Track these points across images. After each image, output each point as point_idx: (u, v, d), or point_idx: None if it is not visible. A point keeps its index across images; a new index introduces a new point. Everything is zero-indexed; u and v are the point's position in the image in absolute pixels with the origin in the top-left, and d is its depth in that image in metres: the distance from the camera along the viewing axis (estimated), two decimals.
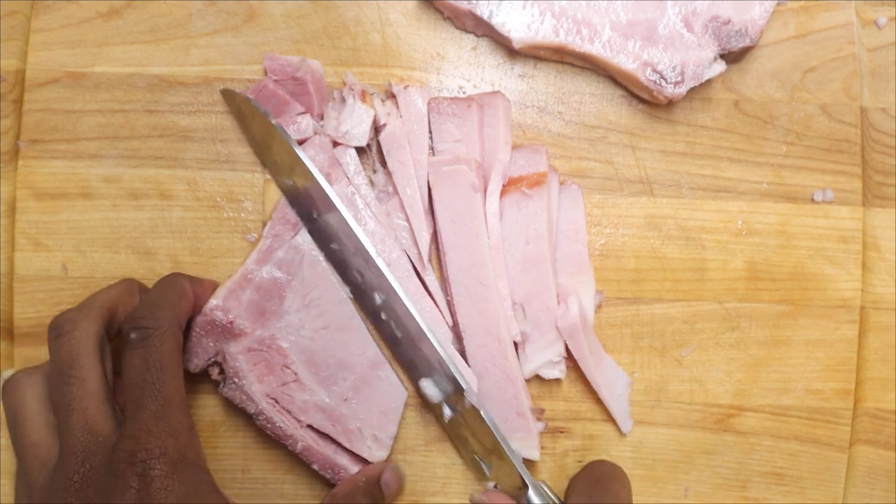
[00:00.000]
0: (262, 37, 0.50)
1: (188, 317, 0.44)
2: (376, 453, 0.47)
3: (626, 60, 0.48)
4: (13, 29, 0.49)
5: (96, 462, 0.37)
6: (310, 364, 0.47)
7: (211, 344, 0.46)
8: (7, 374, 0.49)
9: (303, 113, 0.48)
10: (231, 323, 0.46)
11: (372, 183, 0.49)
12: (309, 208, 0.47)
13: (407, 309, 0.46)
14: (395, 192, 0.48)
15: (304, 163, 0.46)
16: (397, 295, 0.46)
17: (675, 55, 0.48)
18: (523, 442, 0.47)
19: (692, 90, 0.49)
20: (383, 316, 0.48)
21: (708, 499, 0.50)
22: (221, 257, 0.49)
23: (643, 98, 0.51)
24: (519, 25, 0.48)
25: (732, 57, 0.50)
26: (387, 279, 0.46)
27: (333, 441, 0.47)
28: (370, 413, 0.47)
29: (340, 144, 0.48)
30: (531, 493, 0.45)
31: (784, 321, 0.51)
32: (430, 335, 0.46)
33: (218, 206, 0.49)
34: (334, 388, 0.47)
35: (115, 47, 0.50)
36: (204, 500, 0.37)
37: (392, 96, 0.49)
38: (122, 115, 0.49)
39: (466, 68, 0.51)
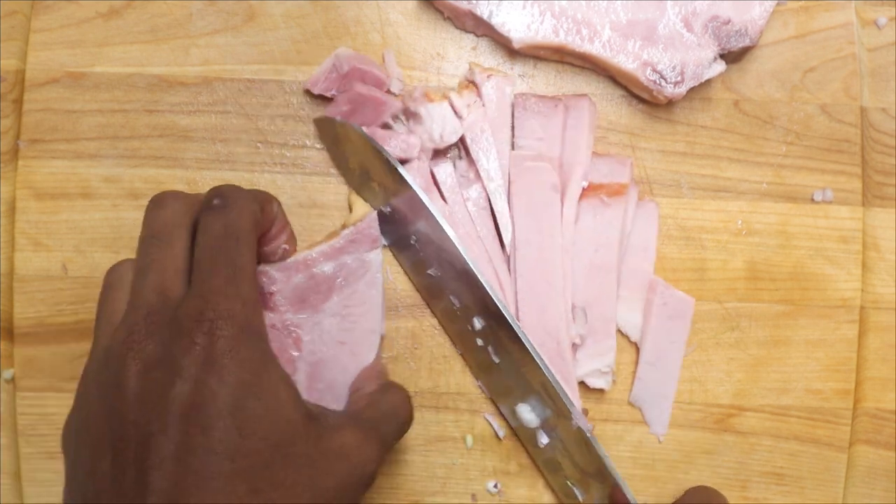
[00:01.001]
0: (262, 37, 0.50)
1: (267, 225, 0.43)
2: None
3: (626, 60, 0.48)
4: (13, 29, 0.49)
5: (162, 318, 0.35)
6: (313, 369, 0.46)
7: None
8: (7, 374, 0.49)
9: (396, 117, 0.48)
10: (271, 294, 0.45)
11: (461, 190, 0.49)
12: (406, 233, 0.47)
13: (513, 332, 0.45)
14: (477, 177, 0.48)
15: (411, 188, 0.45)
16: (503, 318, 0.45)
17: (675, 55, 0.48)
18: None
19: (692, 90, 0.49)
20: (479, 342, 0.47)
21: None
22: None
23: (643, 98, 0.51)
24: (519, 25, 0.48)
25: (732, 57, 0.50)
26: (494, 303, 0.45)
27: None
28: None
29: (435, 159, 0.48)
30: None
31: (784, 321, 0.51)
32: (538, 358, 0.45)
33: None
34: (319, 401, 0.46)
35: (115, 47, 0.50)
36: (267, 369, 0.36)
37: (473, 85, 0.49)
38: (122, 115, 0.49)
39: (466, 68, 0.51)
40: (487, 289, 0.45)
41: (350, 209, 0.49)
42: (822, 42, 0.51)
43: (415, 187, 0.46)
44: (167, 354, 0.35)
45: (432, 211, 0.46)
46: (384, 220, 0.48)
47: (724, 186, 0.51)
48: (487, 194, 0.48)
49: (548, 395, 0.46)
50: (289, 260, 0.46)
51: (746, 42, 0.49)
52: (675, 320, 0.49)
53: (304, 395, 0.44)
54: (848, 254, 0.51)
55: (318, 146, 0.50)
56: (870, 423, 0.51)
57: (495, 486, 0.49)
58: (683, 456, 0.50)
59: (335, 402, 0.46)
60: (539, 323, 0.47)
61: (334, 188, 0.50)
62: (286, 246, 0.45)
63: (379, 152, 0.46)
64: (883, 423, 0.51)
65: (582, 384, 0.49)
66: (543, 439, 0.47)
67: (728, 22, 0.49)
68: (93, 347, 0.38)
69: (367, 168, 0.48)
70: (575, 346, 0.48)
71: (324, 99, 0.50)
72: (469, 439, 0.49)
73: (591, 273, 0.49)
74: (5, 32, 0.49)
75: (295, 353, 0.46)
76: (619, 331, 0.50)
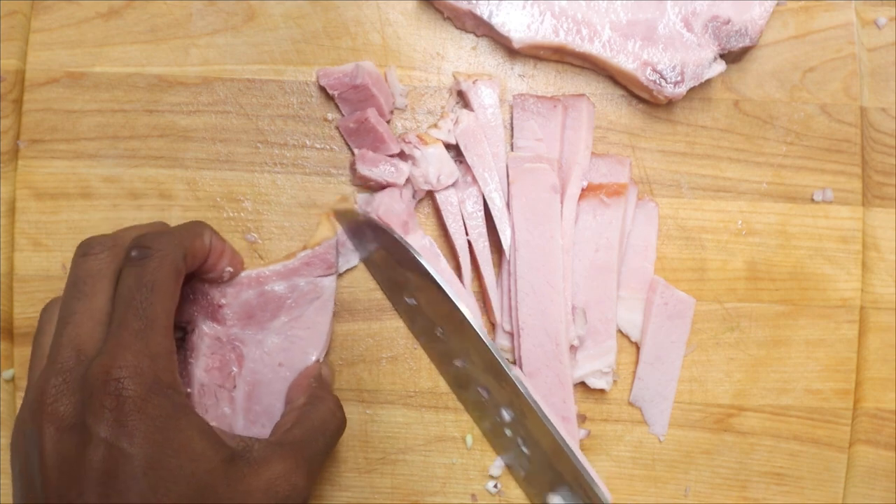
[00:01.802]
0: (262, 37, 0.50)
1: (199, 261, 0.43)
2: None
3: (625, 60, 0.48)
4: (13, 29, 0.49)
5: (75, 377, 0.36)
6: (251, 389, 0.46)
7: (192, 311, 0.46)
8: (7, 374, 0.49)
9: (393, 156, 0.48)
10: (220, 307, 0.46)
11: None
12: (431, 325, 0.48)
13: (544, 426, 0.45)
14: (474, 181, 0.48)
15: (439, 286, 0.46)
16: (534, 413, 0.45)
17: (675, 55, 0.48)
18: None
19: (692, 90, 0.49)
20: (508, 433, 0.47)
21: (708, 499, 0.50)
22: None
23: (643, 98, 0.51)
24: (519, 25, 0.48)
25: (732, 57, 0.50)
26: (525, 398, 0.45)
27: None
28: None
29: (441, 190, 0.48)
30: None
31: (784, 321, 0.51)
32: (570, 452, 0.45)
33: (218, 206, 0.49)
34: (251, 425, 0.46)
35: (115, 47, 0.50)
36: (179, 422, 0.36)
37: (459, 93, 0.50)
38: (122, 115, 0.49)
39: (466, 68, 0.51)
40: (517, 384, 0.45)
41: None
42: (822, 42, 0.51)
43: (441, 283, 0.46)
44: (79, 417, 0.35)
45: (459, 307, 0.45)
46: (410, 315, 0.48)
47: (724, 186, 0.51)
48: (484, 198, 0.48)
49: (579, 485, 0.45)
50: (241, 274, 0.46)
51: (746, 42, 0.49)
52: (675, 320, 0.49)
53: (242, 418, 0.45)
54: (848, 254, 0.51)
55: (318, 146, 0.50)
56: (870, 423, 0.51)
57: (495, 486, 0.49)
58: (683, 456, 0.50)
59: (271, 423, 0.45)
60: (540, 325, 0.47)
61: (334, 188, 0.50)
62: (230, 268, 0.45)
63: (406, 249, 0.46)
64: (883, 423, 0.51)
65: (582, 384, 0.49)
66: None
67: (728, 22, 0.49)
68: (25, 393, 0.38)
69: (389, 262, 0.48)
70: (574, 348, 0.48)
71: (324, 97, 0.50)
72: (469, 439, 0.49)
73: (591, 273, 0.49)
74: (5, 32, 0.49)
75: (235, 372, 0.46)
76: (619, 331, 0.50)
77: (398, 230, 0.47)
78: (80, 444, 0.35)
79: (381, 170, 0.48)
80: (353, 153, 0.49)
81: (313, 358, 0.47)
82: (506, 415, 0.47)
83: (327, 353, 0.48)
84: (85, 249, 0.40)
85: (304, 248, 0.48)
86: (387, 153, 0.48)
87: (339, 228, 0.49)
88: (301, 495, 0.38)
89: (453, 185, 0.49)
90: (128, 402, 0.35)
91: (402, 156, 0.49)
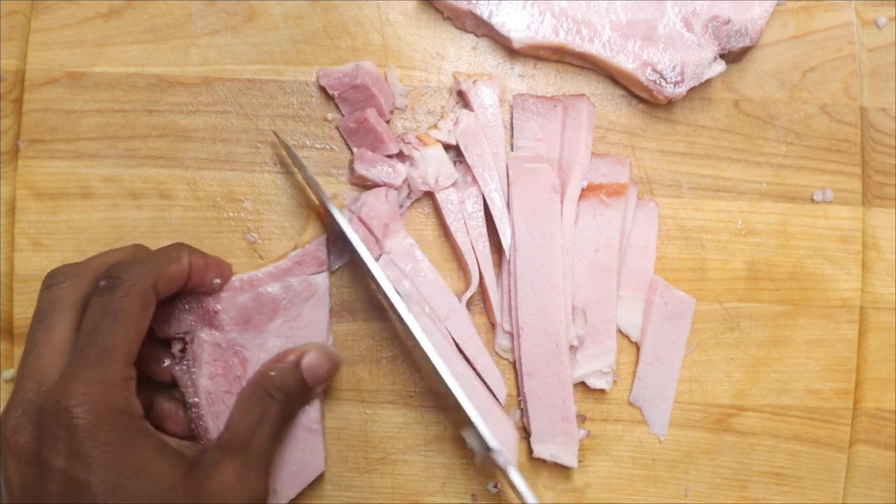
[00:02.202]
0: (262, 37, 0.50)
1: (177, 284, 0.43)
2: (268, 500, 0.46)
3: (625, 60, 0.48)
4: (13, 29, 0.49)
5: (32, 409, 0.37)
6: None
7: (189, 320, 0.46)
8: (7, 374, 0.49)
9: (392, 156, 0.48)
10: (216, 313, 0.46)
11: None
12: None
13: (441, 376, 0.44)
14: (474, 181, 0.48)
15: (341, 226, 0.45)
16: (428, 356, 0.44)
17: (675, 55, 0.48)
18: (564, 447, 0.47)
19: (692, 90, 0.49)
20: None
21: (708, 499, 0.50)
22: (221, 257, 0.49)
23: (643, 98, 0.51)
24: (519, 25, 0.48)
25: (732, 57, 0.50)
26: (419, 340, 0.44)
27: None
28: (281, 467, 0.46)
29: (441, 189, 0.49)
30: None
31: (784, 321, 0.51)
32: (459, 395, 0.43)
33: (218, 206, 0.49)
34: None
35: (115, 47, 0.50)
36: (134, 444, 0.36)
37: (459, 93, 0.50)
38: (122, 115, 0.49)
39: (466, 68, 0.51)
40: (405, 317, 0.44)
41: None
42: (822, 42, 0.51)
43: (342, 223, 0.45)
44: (37, 448, 0.36)
45: (357, 246, 0.45)
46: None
47: (724, 186, 0.51)
48: (484, 198, 0.48)
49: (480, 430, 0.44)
50: (233, 278, 0.46)
51: (746, 42, 0.49)
52: (675, 320, 0.49)
53: None
54: (848, 254, 0.51)
55: (318, 146, 0.50)
56: (870, 423, 0.51)
57: (495, 486, 0.49)
58: (683, 456, 0.50)
59: None
60: (540, 325, 0.47)
61: (334, 188, 0.50)
62: (218, 280, 0.45)
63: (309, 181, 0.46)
64: (883, 423, 0.51)
65: (582, 384, 0.49)
66: (490, 460, 0.44)
67: (728, 22, 0.49)
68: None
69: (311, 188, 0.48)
70: (573, 348, 0.48)
71: (324, 97, 0.50)
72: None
73: (591, 274, 0.49)
74: (5, 32, 0.49)
75: (240, 375, 0.46)
76: (619, 331, 0.50)
77: (378, 232, 0.47)
78: (40, 475, 0.36)
79: (378, 170, 0.48)
80: (352, 153, 0.49)
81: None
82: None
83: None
84: (49, 281, 0.41)
85: (295, 247, 0.48)
86: (386, 153, 0.48)
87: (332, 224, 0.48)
88: (258, 491, 0.39)
89: (453, 185, 0.49)
90: (79, 430, 0.35)
91: (400, 156, 0.49)
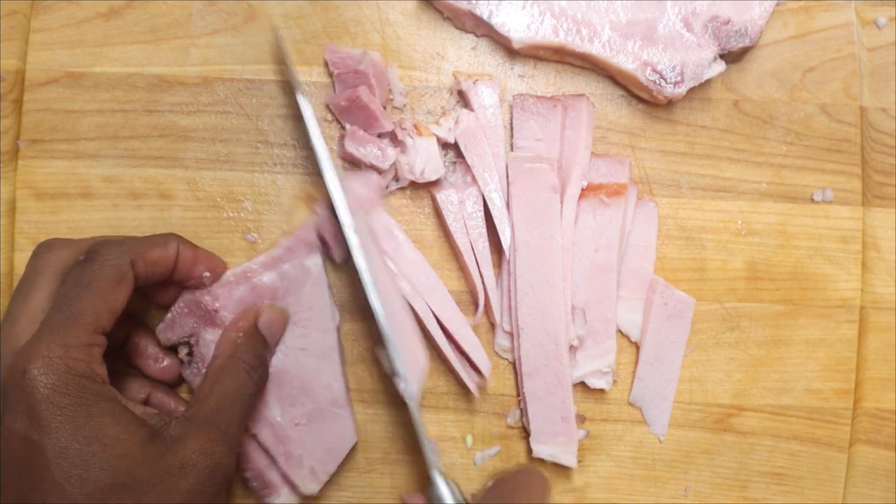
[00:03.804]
0: (262, 37, 0.50)
1: (161, 269, 0.43)
2: (308, 485, 0.46)
3: (625, 60, 0.48)
4: (13, 29, 0.49)
5: (1, 374, 0.37)
6: (275, 378, 0.46)
7: (190, 323, 0.46)
8: None
9: (384, 135, 0.48)
10: (216, 311, 0.46)
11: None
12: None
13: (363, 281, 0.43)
14: (474, 181, 0.48)
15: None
16: (356, 259, 0.43)
17: (675, 55, 0.48)
18: (563, 448, 0.47)
19: (692, 90, 0.49)
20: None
21: (708, 499, 0.50)
22: (221, 257, 0.49)
23: (643, 98, 0.51)
24: (519, 25, 0.48)
25: (732, 57, 0.50)
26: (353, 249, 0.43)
27: (271, 456, 0.46)
28: (316, 445, 0.46)
29: (437, 186, 0.48)
30: (436, 487, 0.44)
31: (784, 321, 0.51)
32: (377, 309, 0.43)
33: (218, 206, 0.50)
34: (290, 410, 0.46)
35: (115, 47, 0.50)
36: (90, 409, 0.36)
37: (459, 93, 0.50)
38: (122, 115, 0.49)
39: (466, 68, 0.51)
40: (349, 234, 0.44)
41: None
42: (822, 42, 0.51)
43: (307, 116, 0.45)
44: (3, 411, 0.36)
45: (316, 145, 0.45)
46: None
47: (724, 186, 0.51)
48: (484, 198, 0.48)
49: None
50: (227, 273, 0.46)
51: (746, 42, 0.49)
52: (675, 320, 0.49)
53: (277, 407, 0.45)
54: (848, 254, 0.51)
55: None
56: (870, 423, 0.51)
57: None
58: (683, 456, 0.50)
59: (311, 401, 0.46)
60: (540, 325, 0.47)
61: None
62: (207, 273, 0.46)
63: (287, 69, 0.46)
64: (883, 423, 0.51)
65: (582, 384, 0.49)
66: (401, 386, 0.44)
67: (728, 22, 0.49)
68: None
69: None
70: (573, 348, 0.48)
71: (324, 96, 0.50)
72: (469, 439, 0.49)
73: (590, 274, 0.49)
74: (5, 32, 0.49)
75: None
76: (619, 331, 0.50)
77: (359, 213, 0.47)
78: (2, 438, 0.36)
79: (367, 150, 0.47)
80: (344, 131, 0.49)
81: (333, 334, 0.47)
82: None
83: (321, 490, 0.47)
84: (36, 251, 0.41)
85: (284, 235, 0.48)
86: (379, 131, 0.48)
87: (318, 209, 0.48)
88: (223, 466, 0.39)
89: (453, 185, 0.49)
90: (36, 392, 0.35)
91: (393, 139, 0.49)
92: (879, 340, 0.51)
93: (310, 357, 0.47)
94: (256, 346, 0.44)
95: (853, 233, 0.51)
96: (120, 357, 0.46)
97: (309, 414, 0.46)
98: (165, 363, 0.46)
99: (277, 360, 0.46)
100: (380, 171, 0.48)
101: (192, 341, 0.46)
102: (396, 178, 0.49)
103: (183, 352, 0.46)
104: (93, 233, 0.49)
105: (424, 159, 0.47)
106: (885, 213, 0.51)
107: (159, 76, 0.50)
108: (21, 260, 0.49)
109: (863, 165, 0.51)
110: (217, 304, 0.46)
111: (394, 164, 0.48)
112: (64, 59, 0.49)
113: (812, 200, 0.51)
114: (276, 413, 0.46)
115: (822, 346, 0.51)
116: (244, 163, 0.50)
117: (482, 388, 0.49)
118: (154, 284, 0.45)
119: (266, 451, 0.46)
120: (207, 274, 0.45)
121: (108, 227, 0.49)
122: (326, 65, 0.50)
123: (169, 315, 0.46)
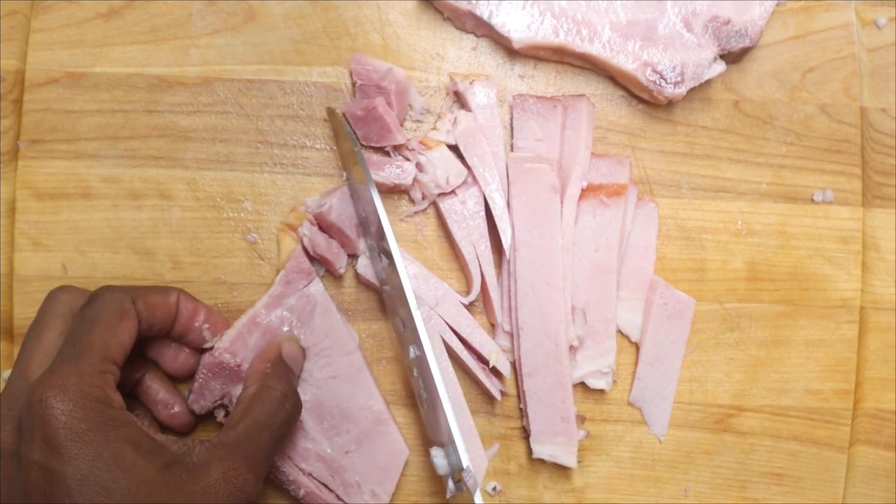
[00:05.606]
0: (262, 37, 0.50)
1: (161, 314, 0.44)
2: None
3: (625, 60, 0.48)
4: (13, 29, 0.49)
5: (17, 406, 0.38)
6: (314, 412, 0.46)
7: (218, 386, 0.46)
8: (7, 374, 0.49)
9: (398, 148, 0.48)
10: (238, 366, 0.46)
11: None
12: (377, 239, 0.47)
13: (432, 372, 0.44)
14: (474, 181, 0.48)
15: (375, 203, 0.45)
16: (426, 355, 0.44)
17: (675, 55, 0.48)
18: (563, 448, 0.47)
19: (692, 90, 0.49)
20: (415, 372, 0.46)
21: (708, 499, 0.50)
22: (221, 257, 0.49)
23: (643, 98, 0.51)
24: (519, 25, 0.48)
25: (732, 57, 0.50)
26: (419, 336, 0.44)
27: (333, 490, 0.46)
28: (370, 468, 0.46)
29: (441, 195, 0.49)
30: None
31: (784, 321, 0.51)
32: (446, 405, 0.43)
33: (217, 206, 0.50)
34: (336, 440, 0.46)
35: (115, 47, 0.50)
36: (107, 434, 0.36)
37: (456, 94, 0.50)
38: (122, 115, 0.49)
39: (466, 69, 0.51)
40: (416, 315, 0.44)
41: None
42: (822, 42, 0.51)
43: (375, 197, 0.45)
44: (18, 442, 0.37)
45: (384, 223, 0.45)
46: (366, 221, 0.47)
47: (724, 187, 0.51)
48: (485, 198, 0.48)
49: (453, 448, 0.44)
50: (235, 324, 0.46)
51: (746, 42, 0.49)
52: (675, 320, 0.49)
53: (323, 439, 0.46)
54: (848, 254, 0.51)
55: (318, 146, 0.50)
56: (870, 424, 0.51)
57: (494, 488, 0.49)
58: (683, 456, 0.50)
59: (354, 426, 0.47)
60: (540, 325, 0.47)
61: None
62: (207, 326, 0.46)
63: (354, 150, 0.46)
64: (883, 423, 0.51)
65: (582, 385, 0.49)
66: (451, 487, 0.44)
67: (728, 22, 0.49)
68: None
69: (349, 164, 0.48)
70: (573, 348, 0.48)
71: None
72: None
73: (590, 274, 0.49)
74: (5, 32, 0.49)
75: None
76: (619, 331, 0.50)
77: (351, 232, 0.47)
78: (20, 468, 0.36)
79: (387, 172, 0.48)
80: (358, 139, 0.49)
81: (357, 354, 0.47)
82: (412, 352, 0.45)
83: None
84: (50, 294, 0.43)
85: (278, 271, 0.47)
86: (392, 143, 0.48)
87: (301, 235, 0.48)
88: (247, 494, 0.39)
89: (456, 190, 0.49)
90: (53, 419, 0.36)
91: (404, 150, 0.49)
92: (879, 341, 0.51)
93: (341, 383, 0.47)
94: (287, 374, 0.44)
95: (853, 233, 0.51)
96: (133, 398, 0.46)
97: (356, 439, 0.47)
98: (176, 409, 0.46)
99: (311, 395, 0.46)
100: (403, 189, 0.49)
101: (226, 402, 0.46)
102: (412, 200, 0.49)
103: (220, 415, 0.46)
104: (93, 233, 0.49)
105: (444, 168, 0.48)
106: (885, 213, 0.51)
107: (159, 76, 0.50)
108: (21, 260, 0.49)
109: (863, 166, 0.51)
110: (238, 360, 0.46)
111: (415, 178, 0.48)
112: (64, 59, 0.49)
113: (812, 201, 0.51)
114: (324, 447, 0.46)
115: (822, 346, 0.51)
116: (244, 163, 0.50)
117: (504, 393, 0.49)
118: (165, 348, 0.46)
119: (326, 486, 0.46)
120: (207, 326, 0.46)
121: (108, 227, 0.49)
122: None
123: (195, 384, 0.46)
